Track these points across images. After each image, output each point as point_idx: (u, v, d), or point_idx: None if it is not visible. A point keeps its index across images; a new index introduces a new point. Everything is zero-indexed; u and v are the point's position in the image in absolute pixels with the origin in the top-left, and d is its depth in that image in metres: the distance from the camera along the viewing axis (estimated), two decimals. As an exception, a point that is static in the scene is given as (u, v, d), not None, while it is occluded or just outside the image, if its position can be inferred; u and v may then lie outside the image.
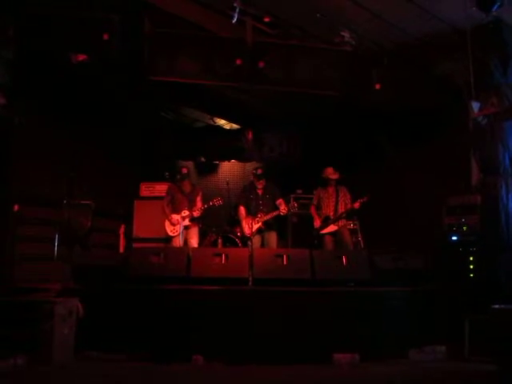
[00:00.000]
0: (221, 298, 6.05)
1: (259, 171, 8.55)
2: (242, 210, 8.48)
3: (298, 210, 8.75)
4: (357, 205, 8.07)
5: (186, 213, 8.19)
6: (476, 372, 5.49)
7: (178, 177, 8.58)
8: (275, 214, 8.19)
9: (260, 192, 8.49)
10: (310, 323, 6.01)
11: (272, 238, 8.35)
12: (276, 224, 8.45)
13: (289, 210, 8.25)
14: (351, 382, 5.14)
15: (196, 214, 8.17)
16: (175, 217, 8.20)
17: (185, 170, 8.55)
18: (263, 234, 8.30)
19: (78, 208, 7.92)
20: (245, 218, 8.37)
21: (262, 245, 8.26)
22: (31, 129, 7.47)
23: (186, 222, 8.19)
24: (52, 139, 8.27)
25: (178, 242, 8.06)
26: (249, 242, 7.96)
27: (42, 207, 7.89)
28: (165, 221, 8.33)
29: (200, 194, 8.53)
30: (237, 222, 8.87)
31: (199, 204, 8.33)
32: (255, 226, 8.09)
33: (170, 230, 8.23)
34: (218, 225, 9.63)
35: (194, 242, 8.30)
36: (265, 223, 8.22)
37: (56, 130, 8.39)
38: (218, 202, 8.25)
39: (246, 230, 8.26)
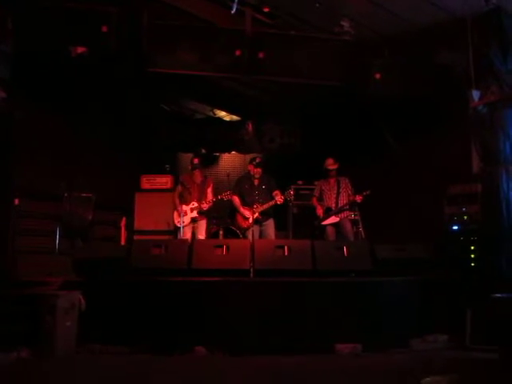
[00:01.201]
0: (222, 289, 6.06)
1: (257, 160, 8.53)
2: (236, 199, 8.47)
3: (294, 198, 8.71)
4: (359, 198, 8.09)
5: (194, 204, 8.18)
6: (478, 360, 5.51)
7: (190, 167, 8.58)
8: (272, 203, 8.19)
9: (256, 182, 8.49)
10: (312, 314, 6.02)
11: (270, 226, 8.37)
12: (273, 212, 8.45)
13: (285, 199, 8.24)
14: (353, 371, 5.15)
15: (204, 206, 8.15)
16: (184, 208, 8.18)
17: (196, 160, 8.52)
18: (261, 223, 8.30)
19: (78, 201, 7.93)
20: (241, 208, 8.35)
21: (261, 234, 8.27)
22: (31, 122, 7.48)
23: (194, 214, 8.18)
24: (52, 132, 8.27)
25: (186, 234, 8.05)
26: (247, 234, 7.96)
27: (42, 201, 7.91)
28: (172, 212, 8.34)
29: (211, 185, 8.52)
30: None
31: (209, 196, 8.32)
32: (253, 217, 8.09)
33: (177, 220, 8.21)
34: (219, 216, 9.63)
35: (202, 236, 8.29)
36: (262, 213, 8.22)
37: (56, 123, 8.40)
38: (226, 196, 8.24)
39: (242, 222, 8.26)
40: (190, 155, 10.25)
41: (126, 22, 6.73)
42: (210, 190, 8.40)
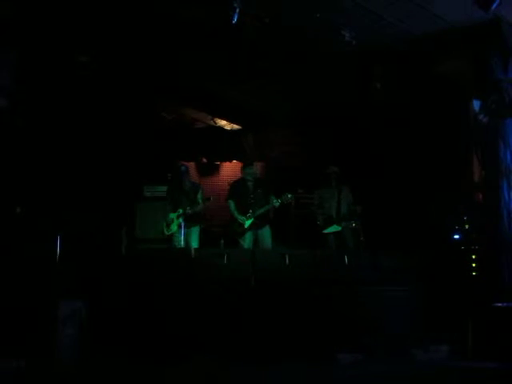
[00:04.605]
0: (223, 298, 6.05)
1: (249, 162, 8.42)
2: (232, 204, 8.21)
3: (292, 201, 8.46)
4: (359, 208, 8.10)
5: (179, 211, 8.09)
6: (479, 370, 5.48)
7: (178, 174, 8.55)
8: (268, 207, 7.99)
9: (251, 185, 8.20)
10: (313, 323, 6.01)
11: (266, 233, 8.08)
12: (269, 217, 8.22)
13: (282, 202, 7.88)
14: (354, 381, 5.13)
15: (189, 212, 8.01)
16: (171, 215, 8.16)
17: (183, 168, 8.46)
18: (257, 229, 8.00)
19: (81, 209, 7.93)
20: (235, 213, 8.13)
21: (256, 241, 8.00)
22: (33, 130, 7.50)
23: (180, 221, 8.09)
24: (54, 141, 8.30)
25: (176, 241, 8.02)
26: (241, 240, 7.87)
27: (44, 208, 7.92)
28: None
29: (200, 191, 8.37)
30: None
31: (199, 201, 8.22)
32: (247, 223, 7.95)
33: (165, 229, 8.20)
34: (220, 225, 9.62)
35: (195, 242, 8.23)
36: (257, 218, 7.96)
37: (57, 131, 8.42)
38: (211, 198, 8.14)
39: (237, 227, 8.07)
40: (192, 164, 10.30)
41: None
42: (199, 196, 8.31)
